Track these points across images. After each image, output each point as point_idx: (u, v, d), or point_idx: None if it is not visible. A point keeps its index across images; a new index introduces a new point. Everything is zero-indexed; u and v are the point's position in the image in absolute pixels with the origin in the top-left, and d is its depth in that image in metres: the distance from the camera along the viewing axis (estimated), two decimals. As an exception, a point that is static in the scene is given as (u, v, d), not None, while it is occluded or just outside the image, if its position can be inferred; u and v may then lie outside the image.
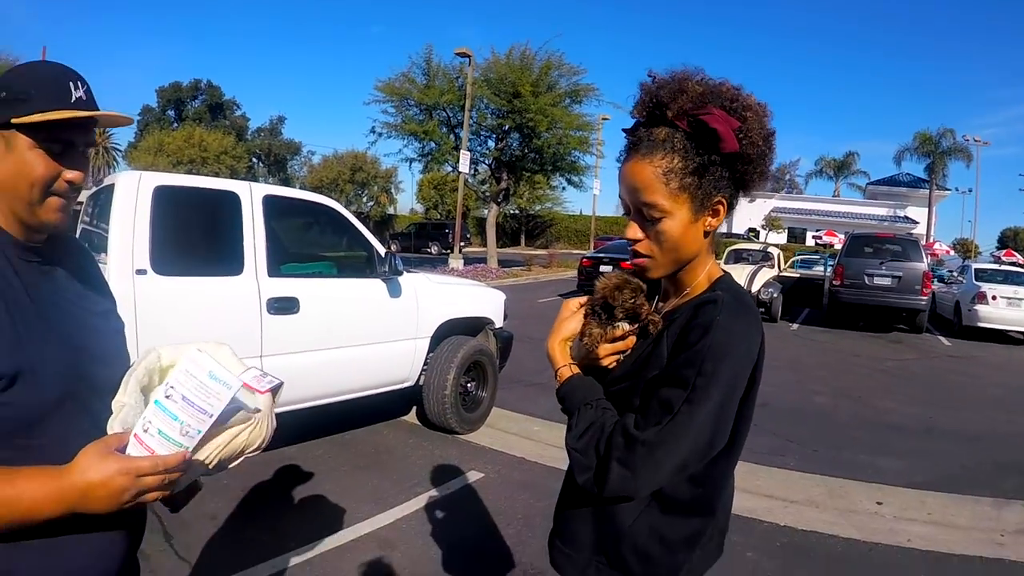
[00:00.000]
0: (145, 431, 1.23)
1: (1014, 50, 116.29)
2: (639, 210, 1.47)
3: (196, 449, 1.28)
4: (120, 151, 61.67)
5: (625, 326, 1.52)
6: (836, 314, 17.23)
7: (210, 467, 1.36)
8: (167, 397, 1.25)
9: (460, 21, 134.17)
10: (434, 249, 42.91)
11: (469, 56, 25.45)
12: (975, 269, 18.71)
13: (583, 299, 1.61)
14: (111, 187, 4.53)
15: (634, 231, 1.49)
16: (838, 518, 5.15)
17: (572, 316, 1.59)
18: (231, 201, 4.96)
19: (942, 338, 16.73)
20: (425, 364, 6.30)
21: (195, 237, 5.03)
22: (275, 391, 1.48)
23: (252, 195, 5.05)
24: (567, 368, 1.55)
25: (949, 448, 7.26)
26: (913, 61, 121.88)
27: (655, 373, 1.42)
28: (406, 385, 6.24)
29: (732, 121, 1.38)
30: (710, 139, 1.38)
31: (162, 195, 4.55)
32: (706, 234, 1.50)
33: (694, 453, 1.38)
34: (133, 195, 4.44)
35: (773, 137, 1.46)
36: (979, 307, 16.72)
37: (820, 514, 5.21)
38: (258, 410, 1.41)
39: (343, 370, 5.58)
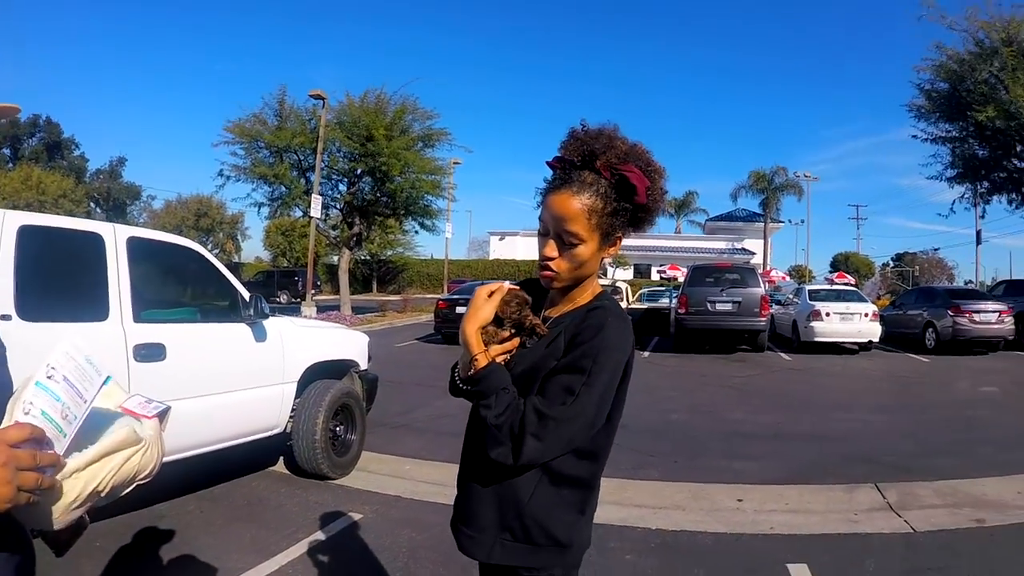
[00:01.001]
0: (27, 414, 1.21)
1: (838, 93, 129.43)
2: (559, 234, 1.75)
3: (73, 454, 1.28)
4: (-50, 191, 56.64)
5: (512, 331, 1.79)
6: (683, 340, 18.36)
7: (103, 494, 1.37)
8: (48, 378, 1.24)
9: (314, 62, 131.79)
10: (284, 298, 41.56)
11: (323, 98, 25.20)
12: (809, 290, 20.69)
13: (494, 285, 1.83)
14: None
15: (552, 250, 1.77)
16: (704, 517, 5.53)
17: (486, 303, 1.77)
18: (95, 243, 4.70)
19: (783, 354, 18.20)
20: (293, 410, 6.18)
21: (59, 280, 4.73)
22: (162, 416, 1.53)
23: (116, 237, 4.82)
24: (484, 355, 1.73)
25: (798, 447, 7.99)
26: (747, 106, 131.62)
27: (554, 363, 1.72)
28: (275, 432, 6.10)
29: (645, 180, 1.73)
30: (628, 191, 1.73)
31: (26, 235, 4.26)
32: (602, 260, 1.86)
33: (584, 429, 1.70)
34: None
35: (666, 195, 1.87)
36: (814, 323, 18.45)
37: (687, 515, 5.58)
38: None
39: (212, 419, 5.37)
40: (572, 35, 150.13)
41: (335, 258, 39.16)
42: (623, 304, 20.83)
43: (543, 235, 1.80)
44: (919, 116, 25.91)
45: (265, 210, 29.40)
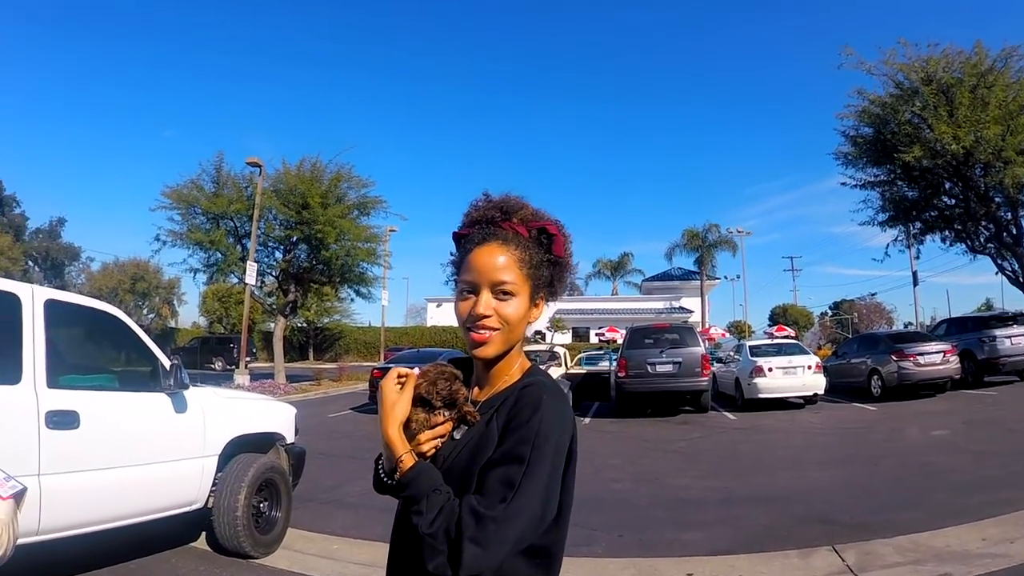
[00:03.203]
0: None
1: (766, 149, 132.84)
2: (494, 284, 1.63)
3: None
4: None
5: (445, 413, 1.63)
6: (624, 404, 17.81)
7: None
8: None
9: (255, 130, 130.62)
10: (218, 365, 40.90)
11: (260, 165, 25.22)
12: (749, 346, 20.24)
13: (401, 370, 1.68)
14: None
15: (487, 305, 1.63)
16: (653, 596, 5.23)
17: (400, 396, 1.62)
18: (11, 303, 4.54)
19: (727, 413, 17.79)
20: (214, 484, 5.91)
21: None
22: (18, 498, 1.44)
23: (34, 298, 4.66)
24: (409, 455, 1.56)
25: (748, 512, 7.66)
26: (677, 164, 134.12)
27: (490, 454, 1.52)
28: (194, 508, 5.79)
29: (561, 236, 1.72)
30: (547, 242, 1.70)
31: None
32: (527, 325, 1.72)
33: (532, 525, 1.49)
34: None
35: (575, 266, 1.82)
36: (757, 380, 18.06)
37: (634, 595, 5.28)
38: None
39: (127, 492, 5.10)
40: (504, 100, 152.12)
41: (271, 325, 38.56)
42: (561, 369, 20.69)
43: (468, 295, 1.68)
44: (846, 163, 26.23)
45: (201, 276, 29.13)
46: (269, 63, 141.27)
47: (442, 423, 1.63)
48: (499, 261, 1.64)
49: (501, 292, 1.64)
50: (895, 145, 23.30)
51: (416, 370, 1.68)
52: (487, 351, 1.66)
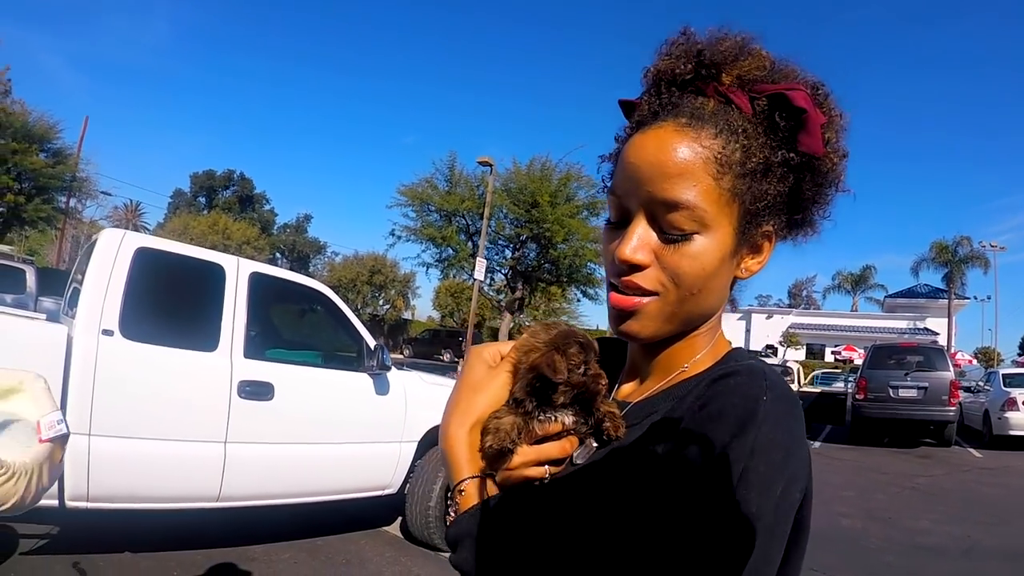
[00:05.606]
0: None
1: (1019, 155, 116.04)
2: (655, 209, 0.85)
3: None
4: (149, 230, 62.51)
5: (566, 419, 0.87)
6: (860, 430, 16.27)
7: None
8: None
9: (488, 134, 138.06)
10: (447, 356, 42.72)
11: (491, 165, 25.84)
12: (1003, 375, 17.94)
13: (505, 346, 0.93)
14: (94, 243, 4.40)
15: (643, 248, 0.86)
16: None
17: (489, 376, 0.89)
18: (215, 273, 4.71)
19: (972, 450, 15.85)
20: (411, 471, 5.79)
21: (172, 305, 4.79)
22: (58, 442, 1.34)
23: (239, 270, 4.80)
24: (473, 485, 0.84)
25: (993, 569, 6.64)
26: (925, 173, 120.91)
27: (639, 509, 0.77)
28: (387, 492, 5.72)
29: (818, 114, 0.86)
30: (787, 127, 0.86)
31: (143, 257, 4.36)
32: (733, 284, 0.94)
33: None
34: (112, 253, 4.26)
35: (846, 158, 0.91)
36: (1010, 414, 15.89)
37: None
38: None
39: (317, 468, 5.13)
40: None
41: (500, 322, 39.81)
42: (794, 387, 19.28)
43: (614, 227, 0.93)
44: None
45: (434, 271, 30.48)
46: (502, 72, 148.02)
47: (559, 434, 0.87)
48: (675, 160, 0.84)
49: (669, 225, 0.85)
50: None
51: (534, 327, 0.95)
52: (633, 328, 0.89)
